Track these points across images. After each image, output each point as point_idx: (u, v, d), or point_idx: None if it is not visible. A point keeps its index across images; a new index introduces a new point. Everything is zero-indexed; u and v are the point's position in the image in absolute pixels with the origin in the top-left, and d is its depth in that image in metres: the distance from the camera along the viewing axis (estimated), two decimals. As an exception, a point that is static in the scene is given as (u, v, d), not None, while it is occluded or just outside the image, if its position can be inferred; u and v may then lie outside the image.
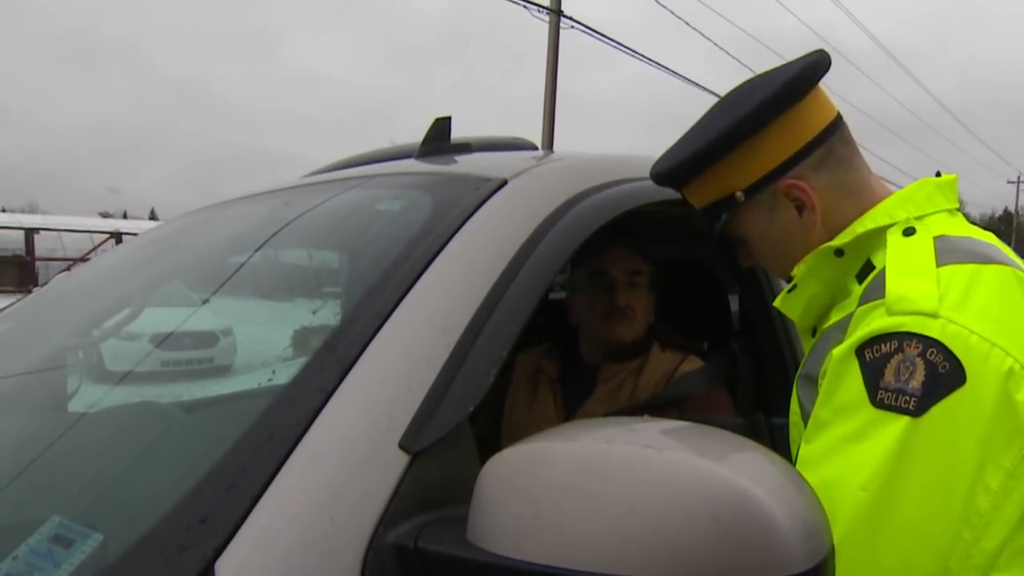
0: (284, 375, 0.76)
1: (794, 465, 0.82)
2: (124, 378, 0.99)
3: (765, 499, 0.54)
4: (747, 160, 0.90)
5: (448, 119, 1.36)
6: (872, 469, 0.69)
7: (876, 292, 0.78)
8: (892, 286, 0.76)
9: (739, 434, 0.64)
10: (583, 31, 12.41)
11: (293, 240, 1.19)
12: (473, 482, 0.63)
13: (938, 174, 0.93)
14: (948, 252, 0.79)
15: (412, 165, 1.26)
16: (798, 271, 0.91)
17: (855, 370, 0.74)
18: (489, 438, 1.45)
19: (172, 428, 0.94)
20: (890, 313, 0.74)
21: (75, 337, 1.24)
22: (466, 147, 1.33)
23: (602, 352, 1.51)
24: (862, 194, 0.91)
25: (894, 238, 0.84)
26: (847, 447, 0.72)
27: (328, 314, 0.90)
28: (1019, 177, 56.35)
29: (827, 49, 0.93)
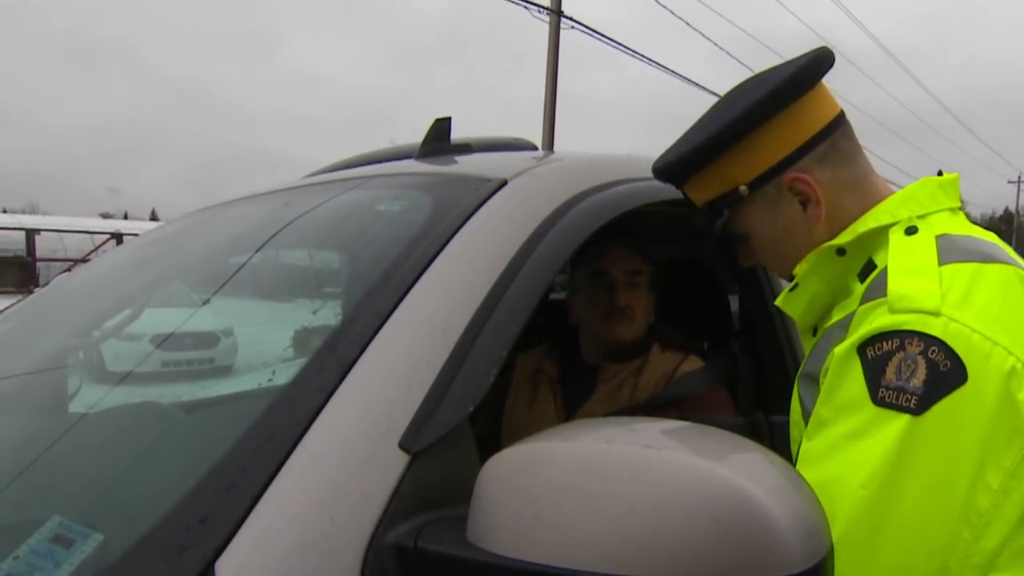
0: (284, 375, 0.76)
1: (795, 464, 0.82)
2: (125, 378, 0.99)
3: (764, 499, 0.54)
4: (752, 153, 0.89)
5: (448, 120, 1.36)
6: (872, 467, 0.69)
7: (878, 291, 0.78)
8: (894, 284, 0.76)
9: (739, 434, 0.64)
10: (583, 31, 12.42)
11: (293, 241, 1.19)
12: (473, 482, 0.63)
13: (940, 173, 0.93)
14: (950, 251, 0.79)
15: (412, 166, 1.26)
16: (800, 270, 0.91)
17: (857, 368, 0.74)
18: (489, 438, 1.45)
19: (172, 428, 0.94)
20: (892, 311, 0.74)
21: (76, 337, 1.24)
22: (466, 147, 1.33)
23: (602, 352, 1.51)
24: (865, 190, 0.91)
25: (896, 237, 0.84)
26: (848, 445, 0.72)
27: (328, 314, 0.90)
28: (1020, 177, 56.32)
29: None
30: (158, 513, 0.62)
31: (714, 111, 0.95)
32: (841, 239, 0.88)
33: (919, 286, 0.75)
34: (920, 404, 0.69)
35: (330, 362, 0.72)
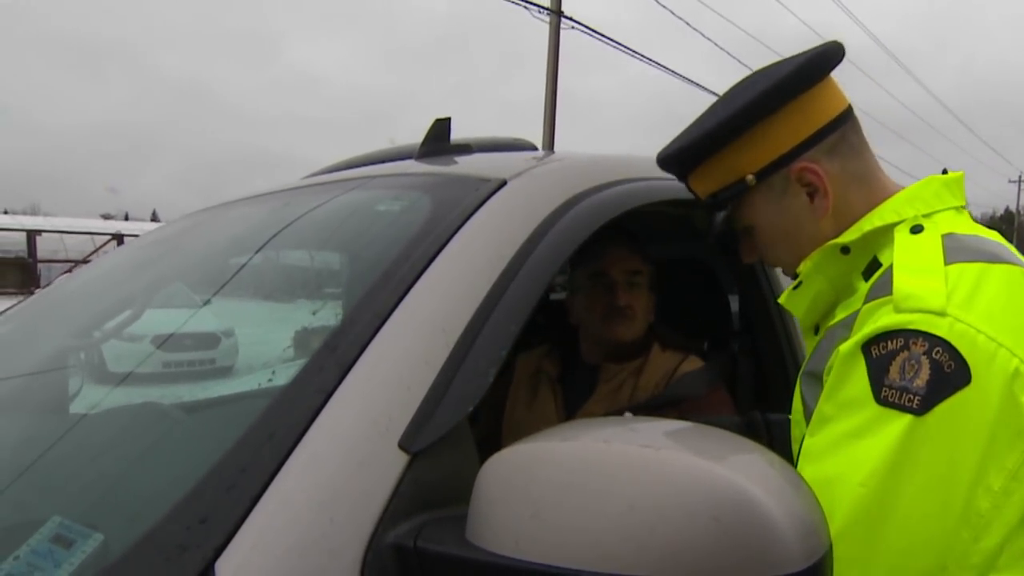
0: (284, 376, 0.76)
1: (796, 462, 0.82)
2: (126, 379, 0.99)
3: (763, 498, 0.54)
4: (761, 141, 0.88)
5: (448, 120, 1.36)
6: (873, 466, 0.69)
7: (883, 289, 0.78)
8: (900, 283, 0.76)
9: (737, 432, 0.64)
10: (583, 31, 12.42)
11: (294, 241, 1.19)
12: (472, 482, 0.63)
13: (945, 171, 0.92)
14: (956, 250, 0.79)
15: (412, 166, 1.26)
16: (804, 268, 0.90)
17: (860, 366, 0.73)
18: (490, 438, 1.45)
19: (172, 429, 0.94)
20: (897, 310, 0.73)
21: (77, 338, 1.25)
22: (466, 148, 1.33)
23: (602, 352, 1.51)
24: (872, 186, 0.90)
25: (902, 235, 0.84)
26: (849, 443, 0.72)
27: (328, 315, 0.90)
28: (1020, 176, 56.28)
29: None
30: (158, 513, 0.62)
31: (724, 100, 0.94)
32: (846, 237, 0.87)
33: (925, 285, 0.74)
34: (923, 404, 0.68)
35: (330, 362, 0.72)
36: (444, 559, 0.61)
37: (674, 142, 0.96)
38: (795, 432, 0.97)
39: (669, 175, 1.01)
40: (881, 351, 0.72)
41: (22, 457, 0.91)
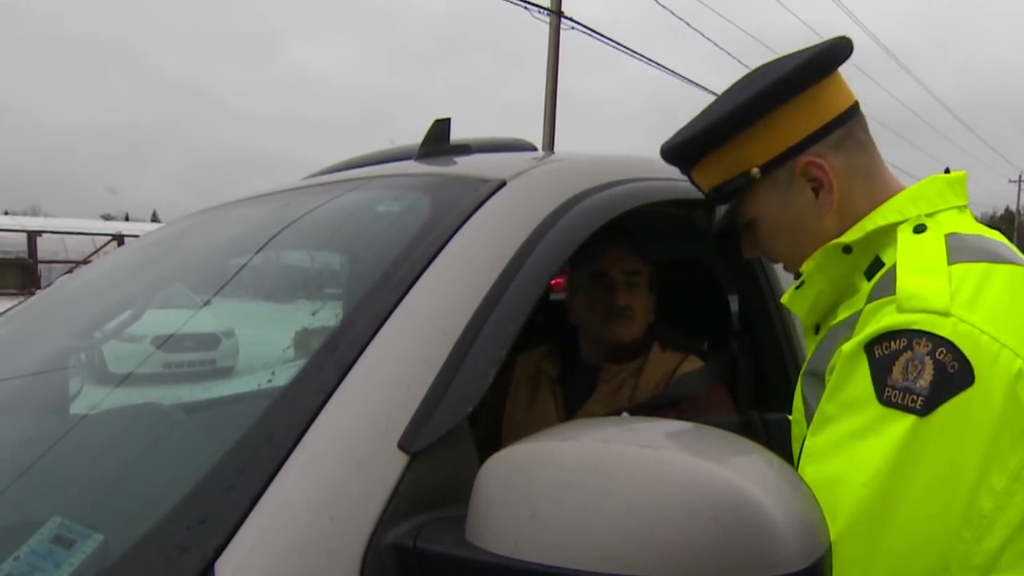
0: (284, 376, 0.76)
1: (797, 461, 0.82)
2: (126, 380, 0.99)
3: (762, 498, 0.54)
4: (767, 134, 0.88)
5: (447, 121, 1.37)
6: (875, 466, 0.69)
7: (886, 289, 0.78)
8: (903, 283, 0.75)
9: (735, 432, 0.64)
10: (583, 32, 12.42)
11: (293, 242, 1.20)
12: (472, 482, 0.63)
13: (947, 170, 0.92)
14: (960, 250, 0.79)
15: (412, 167, 1.26)
16: (806, 267, 0.90)
17: (863, 367, 0.73)
18: (490, 439, 1.45)
19: (172, 429, 0.94)
20: (901, 310, 0.73)
21: (78, 339, 1.25)
22: (465, 148, 1.33)
23: (602, 353, 1.51)
24: (877, 183, 0.90)
25: (905, 235, 0.83)
26: (852, 443, 0.72)
27: (328, 315, 0.91)
28: (1020, 176, 56.26)
29: None
30: (158, 513, 0.62)
31: (730, 92, 0.93)
32: (848, 237, 0.87)
33: (928, 285, 0.74)
34: (926, 405, 0.68)
35: (329, 363, 0.72)
36: (443, 559, 0.61)
37: (679, 133, 0.95)
38: (796, 432, 0.96)
39: (669, 175, 1.01)
40: (884, 351, 0.72)
41: (23, 457, 0.91)
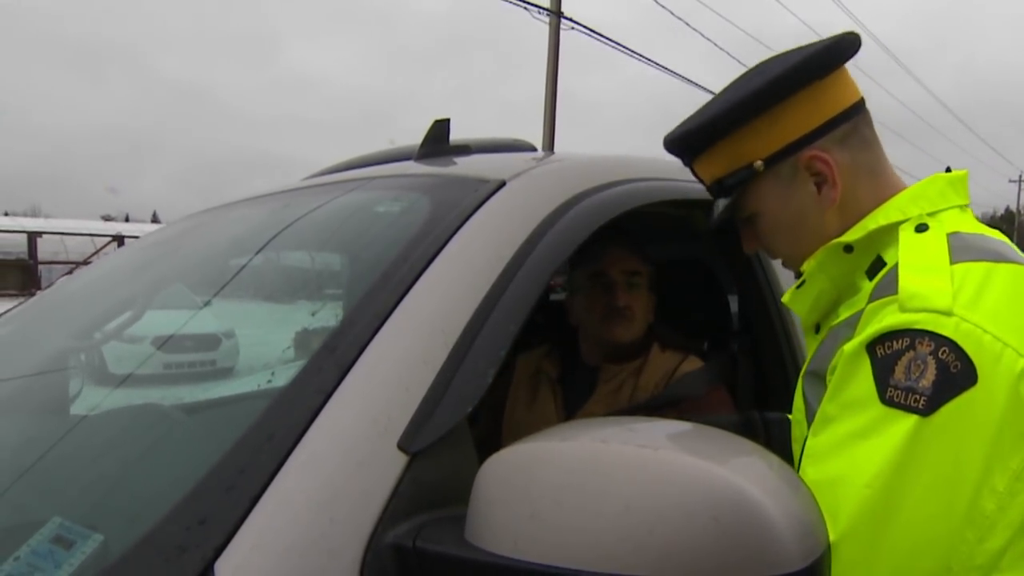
0: (284, 377, 0.76)
1: (797, 461, 0.82)
2: (126, 380, 0.99)
3: (762, 498, 0.54)
4: (772, 127, 0.87)
5: (447, 121, 1.37)
6: (878, 467, 0.68)
7: (888, 288, 0.77)
8: (905, 282, 0.75)
9: (734, 431, 0.64)
10: (583, 32, 12.42)
11: (294, 242, 1.20)
12: (471, 482, 0.63)
13: (948, 170, 0.91)
14: (962, 249, 0.78)
15: (411, 167, 1.26)
16: (808, 267, 0.89)
17: (865, 366, 0.73)
18: (490, 439, 1.45)
19: (172, 430, 0.94)
20: (903, 310, 0.73)
21: (78, 340, 1.25)
22: (465, 149, 1.34)
23: (602, 353, 1.51)
24: (880, 180, 0.90)
25: (907, 234, 0.83)
26: (854, 443, 0.71)
27: (327, 316, 0.91)
28: (1020, 176, 56.27)
29: None
30: (158, 514, 0.63)
31: (737, 83, 0.93)
32: (850, 236, 0.86)
33: (931, 284, 0.74)
34: (928, 405, 0.68)
35: (329, 363, 0.72)
36: (443, 559, 0.61)
37: (683, 124, 0.95)
38: (796, 432, 0.96)
39: (669, 176, 1.01)
40: (886, 351, 0.72)
41: (23, 458, 0.91)
